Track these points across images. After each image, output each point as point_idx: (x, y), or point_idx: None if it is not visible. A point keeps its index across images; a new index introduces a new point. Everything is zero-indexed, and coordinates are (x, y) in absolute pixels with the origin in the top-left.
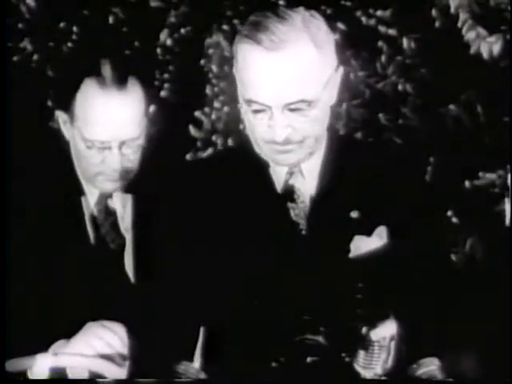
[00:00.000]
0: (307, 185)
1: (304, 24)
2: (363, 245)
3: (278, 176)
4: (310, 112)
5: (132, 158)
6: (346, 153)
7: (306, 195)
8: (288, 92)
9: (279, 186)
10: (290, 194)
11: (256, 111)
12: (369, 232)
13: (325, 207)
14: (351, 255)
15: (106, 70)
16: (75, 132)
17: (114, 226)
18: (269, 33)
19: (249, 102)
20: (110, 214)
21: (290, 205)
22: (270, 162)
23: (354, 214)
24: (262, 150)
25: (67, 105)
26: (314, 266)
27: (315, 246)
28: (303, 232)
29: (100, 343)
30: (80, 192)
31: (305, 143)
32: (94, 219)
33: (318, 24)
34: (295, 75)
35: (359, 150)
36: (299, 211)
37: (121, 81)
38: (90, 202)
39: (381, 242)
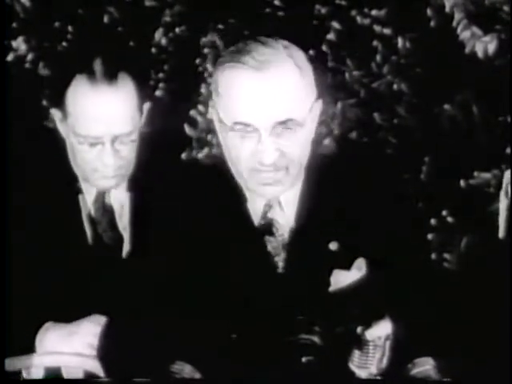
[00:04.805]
0: (286, 217)
1: (287, 51)
2: (343, 279)
3: (256, 208)
4: (297, 134)
5: (125, 154)
6: (324, 183)
7: (286, 228)
8: (277, 111)
9: (257, 218)
10: (268, 227)
11: (243, 136)
12: (349, 264)
13: (304, 239)
14: (331, 289)
15: (97, 64)
16: (69, 129)
17: (112, 224)
18: (253, 54)
19: (236, 124)
20: (107, 212)
21: (267, 238)
22: (248, 195)
23: (333, 246)
24: (246, 181)
25: (60, 102)
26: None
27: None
28: (280, 264)
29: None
30: (77, 191)
31: (289, 171)
32: (91, 218)
33: (300, 54)
34: (283, 94)
35: (336, 179)
36: (277, 244)
37: (111, 76)
38: (88, 200)
39: (360, 274)
